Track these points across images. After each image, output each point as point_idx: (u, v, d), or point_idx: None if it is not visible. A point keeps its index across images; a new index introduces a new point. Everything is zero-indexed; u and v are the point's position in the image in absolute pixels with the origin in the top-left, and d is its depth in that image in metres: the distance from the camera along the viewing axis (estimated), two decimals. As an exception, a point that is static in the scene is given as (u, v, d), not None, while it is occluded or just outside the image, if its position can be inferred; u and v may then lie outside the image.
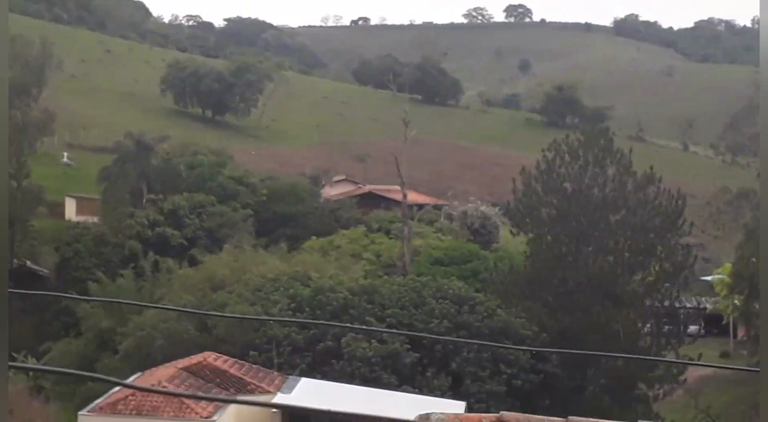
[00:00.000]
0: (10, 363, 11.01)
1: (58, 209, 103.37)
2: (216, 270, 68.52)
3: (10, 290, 11.74)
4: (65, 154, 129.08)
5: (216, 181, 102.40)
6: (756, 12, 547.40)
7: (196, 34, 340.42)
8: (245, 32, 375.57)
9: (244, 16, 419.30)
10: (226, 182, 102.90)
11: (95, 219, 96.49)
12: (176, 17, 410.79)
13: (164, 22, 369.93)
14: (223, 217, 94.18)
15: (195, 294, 63.27)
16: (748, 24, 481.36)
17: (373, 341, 53.23)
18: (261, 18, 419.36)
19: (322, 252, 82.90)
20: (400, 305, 58.03)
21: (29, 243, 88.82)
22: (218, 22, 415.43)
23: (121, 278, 75.41)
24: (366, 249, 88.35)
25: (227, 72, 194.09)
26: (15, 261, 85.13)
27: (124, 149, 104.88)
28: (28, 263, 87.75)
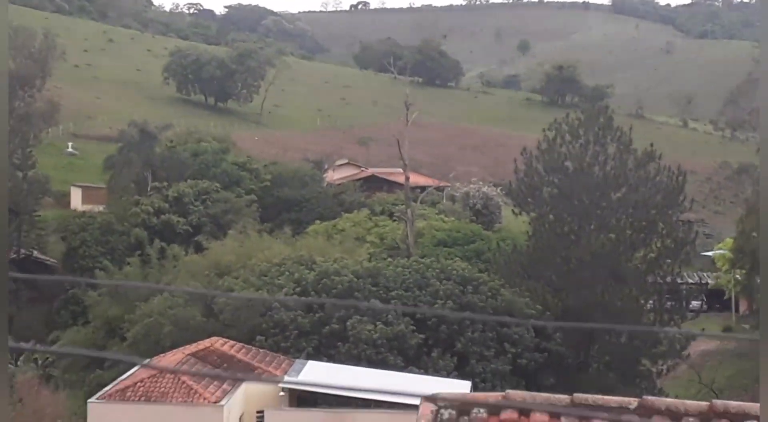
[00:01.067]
0: (28, 347, 11.60)
1: (64, 199, 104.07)
2: (221, 256, 69.08)
3: (17, 276, 12.35)
4: (70, 143, 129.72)
5: (220, 168, 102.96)
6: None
7: (198, 22, 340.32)
8: (246, 19, 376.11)
9: (245, 3, 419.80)
10: (230, 168, 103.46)
11: (101, 208, 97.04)
12: (177, 5, 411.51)
13: (165, 11, 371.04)
14: (227, 204, 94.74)
15: (201, 280, 63.88)
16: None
17: (378, 323, 53.80)
18: (261, 5, 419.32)
19: (326, 236, 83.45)
20: (404, 287, 58.55)
21: (36, 234, 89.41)
22: (219, 10, 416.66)
23: (128, 266, 75.97)
24: (369, 233, 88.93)
25: (229, 59, 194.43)
26: (22, 251, 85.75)
27: (128, 138, 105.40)
28: (36, 253, 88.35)
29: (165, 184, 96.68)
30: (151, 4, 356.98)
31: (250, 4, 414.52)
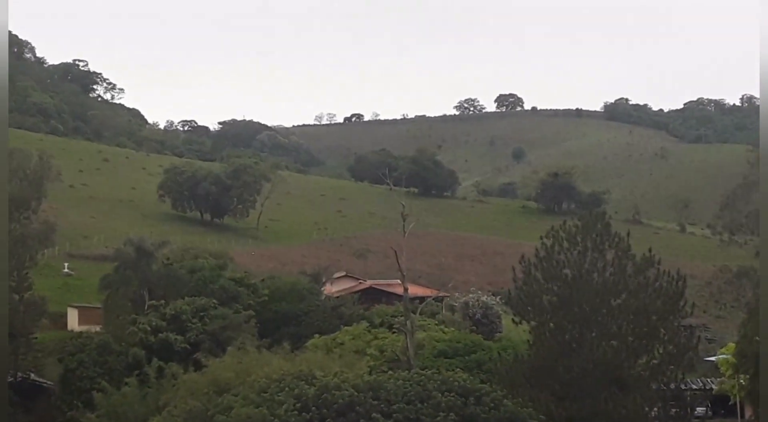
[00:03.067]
0: None
1: (60, 320, 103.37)
2: (220, 374, 68.30)
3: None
4: (66, 264, 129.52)
5: (217, 284, 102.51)
6: (745, 91, 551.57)
7: (192, 139, 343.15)
8: (240, 134, 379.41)
9: (239, 118, 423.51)
10: (227, 284, 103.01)
11: (98, 328, 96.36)
12: (171, 123, 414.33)
13: (160, 129, 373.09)
14: (225, 320, 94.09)
15: (200, 398, 63.06)
16: (738, 103, 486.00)
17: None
18: (255, 119, 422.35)
19: (325, 349, 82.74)
20: (405, 400, 57.71)
21: (33, 356, 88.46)
22: (213, 126, 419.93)
23: (126, 386, 75.15)
24: (369, 345, 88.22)
25: (224, 174, 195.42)
26: (19, 374, 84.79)
27: (124, 256, 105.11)
28: (32, 376, 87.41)
29: (162, 301, 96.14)
30: (146, 122, 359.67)
31: (244, 120, 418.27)
